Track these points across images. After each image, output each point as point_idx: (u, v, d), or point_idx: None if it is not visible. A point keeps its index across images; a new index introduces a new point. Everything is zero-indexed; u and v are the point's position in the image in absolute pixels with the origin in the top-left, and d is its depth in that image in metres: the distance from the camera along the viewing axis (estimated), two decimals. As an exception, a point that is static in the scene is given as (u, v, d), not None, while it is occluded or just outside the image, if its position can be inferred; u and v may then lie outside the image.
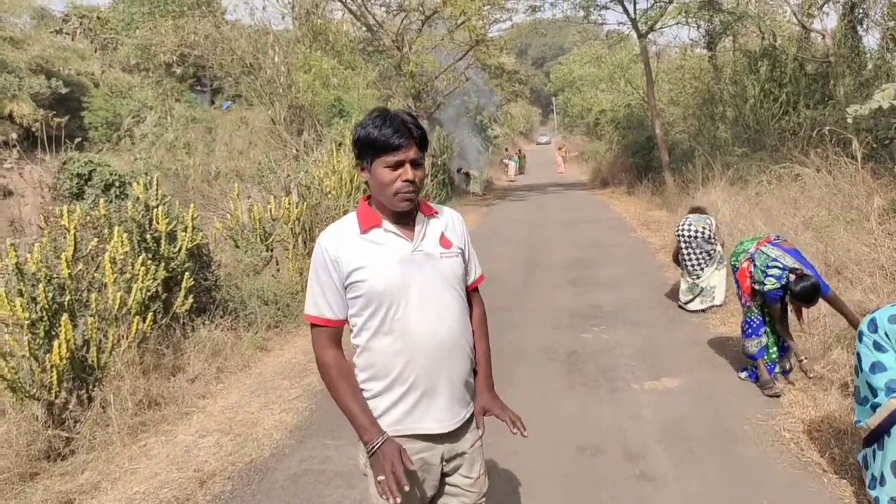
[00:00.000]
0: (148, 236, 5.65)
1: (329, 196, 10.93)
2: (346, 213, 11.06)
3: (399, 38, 16.94)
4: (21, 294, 4.34)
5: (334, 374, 1.86)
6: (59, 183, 8.68)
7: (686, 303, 6.34)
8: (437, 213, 1.97)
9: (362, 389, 1.88)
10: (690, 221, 6.32)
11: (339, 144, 12.81)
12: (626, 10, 15.77)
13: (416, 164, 1.82)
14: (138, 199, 5.84)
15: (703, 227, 6.22)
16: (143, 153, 15.92)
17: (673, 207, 12.27)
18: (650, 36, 16.16)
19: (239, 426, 4.32)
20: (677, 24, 16.12)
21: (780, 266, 4.12)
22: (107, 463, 4.00)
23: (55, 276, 4.53)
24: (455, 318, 1.88)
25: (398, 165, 1.79)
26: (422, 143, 1.83)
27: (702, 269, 6.21)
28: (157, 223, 5.69)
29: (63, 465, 4.03)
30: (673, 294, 6.75)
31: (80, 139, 19.67)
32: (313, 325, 1.88)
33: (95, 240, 4.89)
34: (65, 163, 8.74)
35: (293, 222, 8.16)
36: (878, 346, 2.92)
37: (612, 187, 19.91)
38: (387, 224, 1.86)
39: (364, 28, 17.19)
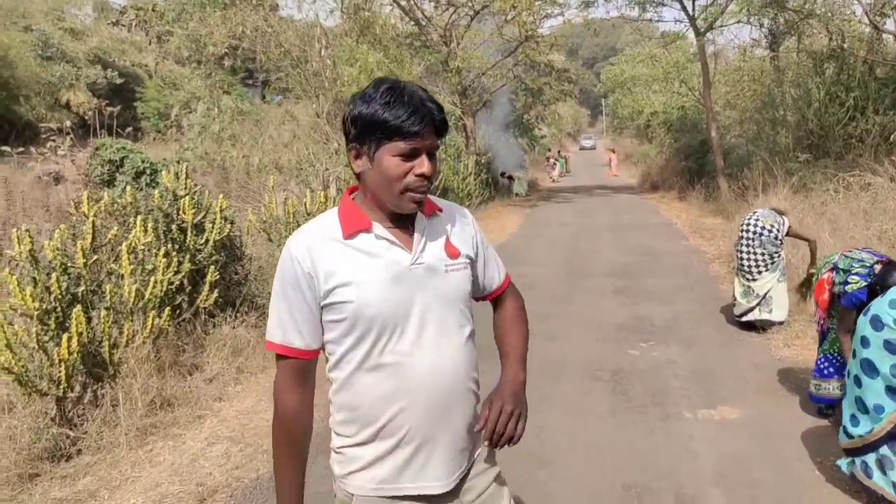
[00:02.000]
0: (174, 227, 5.43)
1: (367, 191, 10.67)
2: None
3: (447, 33, 16.61)
4: (35, 283, 4.13)
5: (283, 436, 1.48)
6: (91, 169, 8.60)
7: (741, 315, 5.74)
8: (440, 210, 1.57)
9: (338, 434, 1.51)
10: (759, 216, 5.66)
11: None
12: (683, 7, 15.08)
13: (432, 154, 1.44)
14: (166, 188, 5.63)
15: (773, 225, 5.55)
16: (189, 143, 15.97)
17: (728, 214, 11.62)
18: (708, 35, 15.42)
19: (251, 435, 4.01)
20: (738, 22, 15.35)
21: (867, 264, 3.54)
22: (109, 468, 3.74)
23: (71, 265, 4.32)
24: (459, 349, 1.49)
25: (413, 155, 1.40)
26: (443, 129, 1.44)
27: (759, 272, 5.59)
28: (184, 213, 5.46)
29: (66, 467, 3.80)
30: (730, 310, 6.19)
31: (130, 128, 19.99)
32: (278, 357, 1.49)
33: (115, 228, 4.67)
34: (97, 149, 8.65)
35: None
36: (891, 347, 2.70)
37: (661, 192, 19.24)
38: (378, 228, 1.46)
39: (412, 22, 16.92)
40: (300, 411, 1.49)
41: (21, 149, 16.58)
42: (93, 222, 4.41)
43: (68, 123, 19.27)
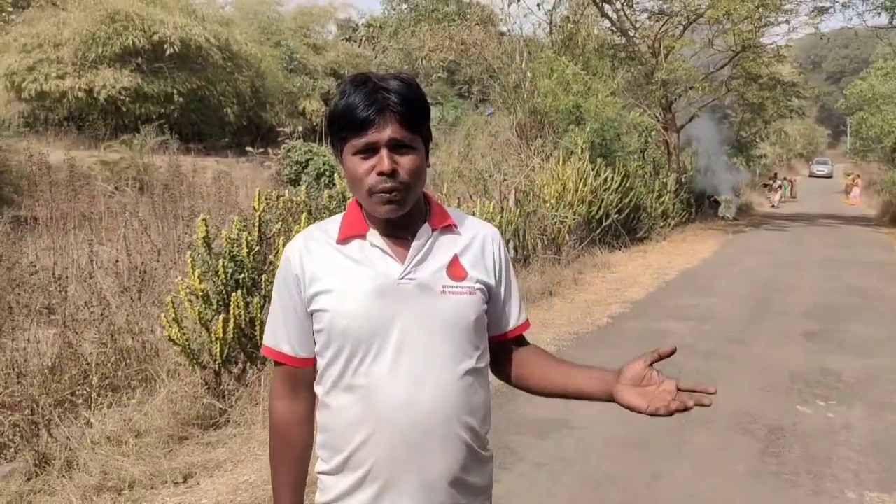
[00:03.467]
0: (338, 226, 5.79)
1: (546, 205, 10.52)
2: (561, 224, 10.60)
3: (656, 44, 15.83)
4: (208, 266, 4.66)
5: (276, 440, 1.45)
6: (282, 168, 9.51)
7: None
8: (455, 225, 1.41)
9: (319, 458, 1.41)
10: None
11: (571, 153, 12.34)
12: (948, 11, 12.75)
13: (399, 147, 1.28)
14: (339, 190, 6.04)
15: None
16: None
17: (983, 260, 9.57)
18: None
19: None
20: None
21: None
22: (242, 443, 4.07)
23: (238, 255, 4.80)
24: (449, 384, 1.32)
25: (370, 151, 1.28)
26: (409, 116, 1.28)
27: None
28: (348, 214, 5.81)
29: (210, 436, 4.21)
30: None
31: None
32: (275, 363, 1.45)
33: (279, 224, 5.09)
34: (289, 151, 9.54)
35: (503, 228, 7.94)
36: None
37: (903, 226, 16.51)
38: (373, 235, 1.35)
39: (619, 33, 16.40)
40: (290, 422, 1.44)
41: (262, 150, 19.08)
42: (259, 217, 4.86)
43: (300, 129, 21.69)
